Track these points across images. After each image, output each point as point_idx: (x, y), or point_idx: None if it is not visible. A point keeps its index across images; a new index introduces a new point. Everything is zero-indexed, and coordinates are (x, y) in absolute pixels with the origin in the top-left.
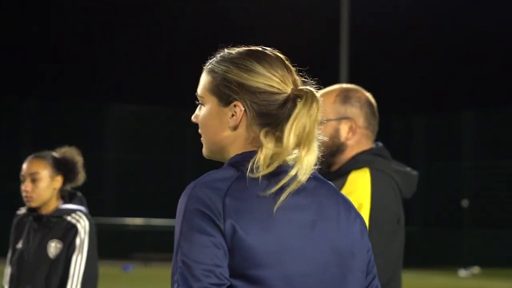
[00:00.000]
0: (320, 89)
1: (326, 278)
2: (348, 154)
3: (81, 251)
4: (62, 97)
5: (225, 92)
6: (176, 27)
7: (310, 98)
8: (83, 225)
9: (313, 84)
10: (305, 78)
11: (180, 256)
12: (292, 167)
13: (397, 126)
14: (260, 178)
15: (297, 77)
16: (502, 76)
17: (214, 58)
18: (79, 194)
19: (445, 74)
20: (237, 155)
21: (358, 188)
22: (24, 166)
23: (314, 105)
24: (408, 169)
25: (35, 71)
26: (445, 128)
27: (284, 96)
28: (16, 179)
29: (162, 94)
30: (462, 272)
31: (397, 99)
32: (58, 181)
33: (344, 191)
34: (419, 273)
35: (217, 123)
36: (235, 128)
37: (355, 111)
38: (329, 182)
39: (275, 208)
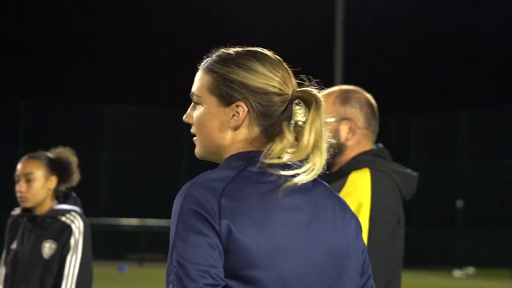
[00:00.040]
0: (322, 90)
1: (321, 279)
2: (348, 154)
3: (75, 252)
4: (58, 97)
5: (227, 92)
6: (173, 29)
7: (319, 101)
8: (77, 225)
9: (314, 86)
10: (305, 80)
11: (175, 257)
12: (290, 166)
13: (392, 127)
14: (255, 177)
15: (294, 79)
16: (498, 76)
17: (212, 58)
18: (73, 194)
19: (440, 74)
20: (233, 155)
21: (359, 188)
22: (19, 166)
23: (322, 108)
24: (408, 170)
25: (32, 72)
26: (440, 129)
27: (285, 97)
28: (11, 179)
29: (157, 95)
30: (457, 273)
31: (392, 99)
32: (53, 181)
33: (344, 191)
34: (414, 273)
35: (216, 123)
36: (236, 128)
37: (354, 111)
38: (325, 182)
39: (271, 208)
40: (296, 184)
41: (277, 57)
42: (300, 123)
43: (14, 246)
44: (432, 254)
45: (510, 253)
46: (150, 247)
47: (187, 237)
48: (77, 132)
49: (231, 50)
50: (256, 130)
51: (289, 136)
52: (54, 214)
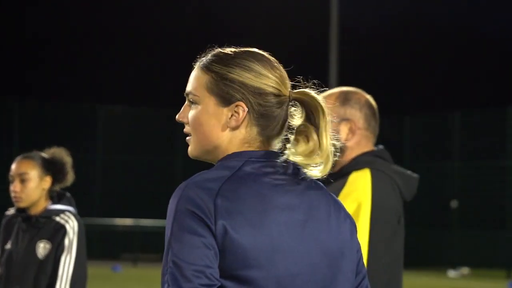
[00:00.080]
0: (318, 91)
1: (316, 278)
2: (348, 155)
3: (69, 252)
4: (52, 97)
5: (228, 92)
6: (173, 29)
7: (323, 104)
8: (71, 225)
9: (312, 87)
10: (302, 81)
11: (170, 257)
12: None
13: (387, 127)
14: (251, 177)
15: (288, 80)
16: (491, 77)
17: (209, 57)
18: (68, 194)
19: (433, 75)
20: (229, 155)
21: (359, 188)
22: (13, 166)
23: (327, 111)
24: (409, 172)
25: (26, 72)
26: (434, 129)
27: (283, 98)
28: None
29: (151, 95)
30: (451, 273)
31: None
32: (47, 181)
33: (344, 191)
34: (408, 273)
35: (214, 123)
36: (235, 128)
37: (354, 112)
38: (319, 182)
39: (267, 208)
40: (312, 176)
41: (273, 58)
42: (301, 126)
43: (8, 246)
44: (426, 254)
45: (504, 253)
46: (144, 247)
47: (182, 237)
48: (69, 132)
49: (229, 50)
50: (254, 131)
51: (315, 137)
52: (49, 214)
